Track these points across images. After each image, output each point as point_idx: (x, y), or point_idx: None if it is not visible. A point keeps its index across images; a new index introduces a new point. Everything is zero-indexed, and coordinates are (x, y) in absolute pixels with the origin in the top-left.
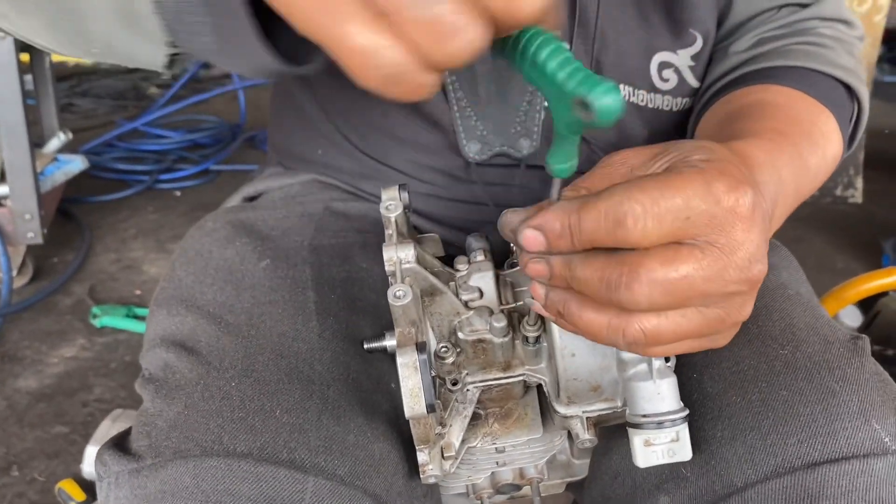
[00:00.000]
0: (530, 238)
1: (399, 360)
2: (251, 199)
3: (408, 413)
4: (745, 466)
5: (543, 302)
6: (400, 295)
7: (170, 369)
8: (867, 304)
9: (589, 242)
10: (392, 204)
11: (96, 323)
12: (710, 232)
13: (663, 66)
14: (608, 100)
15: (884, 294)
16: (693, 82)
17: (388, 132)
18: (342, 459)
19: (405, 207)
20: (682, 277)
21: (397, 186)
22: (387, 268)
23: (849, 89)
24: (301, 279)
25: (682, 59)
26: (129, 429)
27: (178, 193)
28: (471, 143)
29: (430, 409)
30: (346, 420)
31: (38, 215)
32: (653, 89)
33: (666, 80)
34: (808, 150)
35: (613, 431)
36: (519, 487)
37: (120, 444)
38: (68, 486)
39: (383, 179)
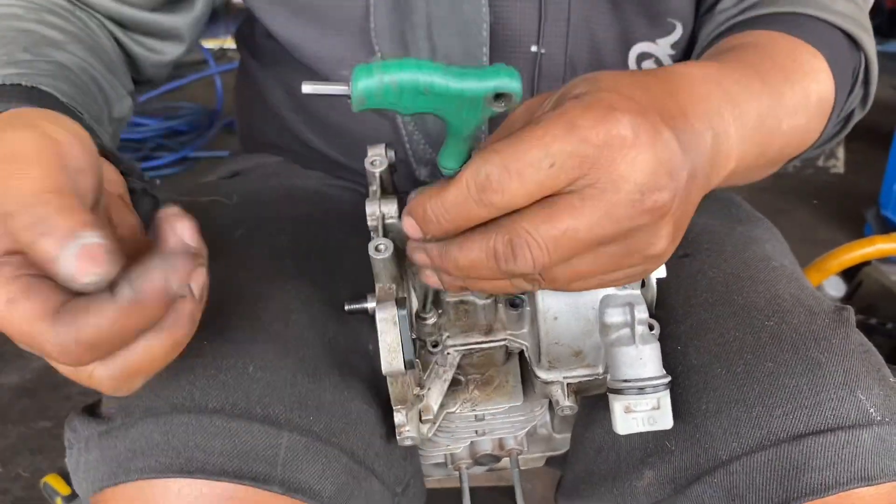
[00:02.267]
0: (407, 226)
1: (378, 314)
2: (226, 178)
3: (385, 369)
4: (730, 439)
5: (443, 287)
6: (381, 248)
7: None
8: (850, 274)
9: (463, 220)
10: (377, 159)
11: None
12: (585, 174)
13: (643, 56)
14: (517, 79)
15: (866, 263)
16: None
17: (350, 152)
18: (318, 416)
19: (390, 166)
20: (564, 231)
21: (384, 144)
22: (369, 222)
23: (851, 39)
24: (278, 247)
25: (663, 48)
26: (100, 398)
27: (157, 182)
28: (420, 167)
29: (409, 365)
30: (322, 379)
31: None
32: None
33: None
34: (780, 80)
35: (596, 404)
36: (498, 459)
37: (90, 410)
38: (53, 481)
39: (350, 175)
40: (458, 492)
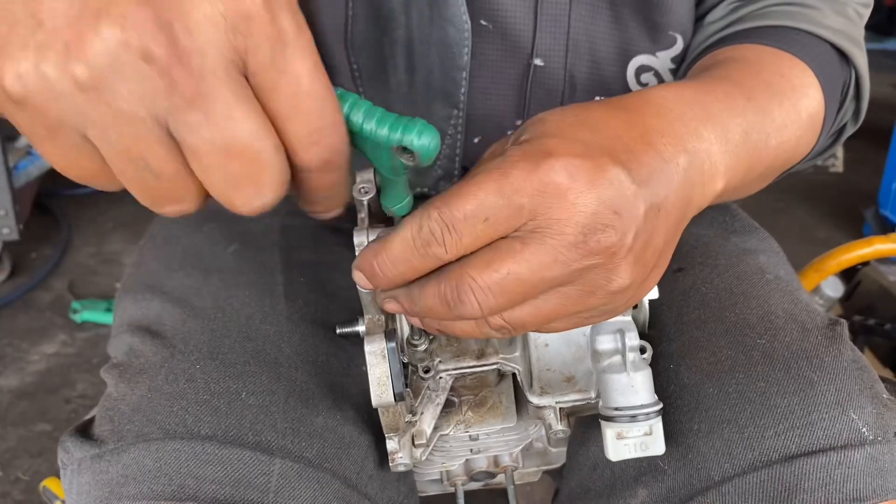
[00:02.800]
0: (358, 279)
1: (367, 347)
2: None
3: (375, 402)
4: (723, 460)
5: (422, 327)
6: None
7: (134, 353)
8: (848, 274)
9: (411, 272)
10: (365, 187)
11: (77, 318)
12: (524, 220)
13: (642, 69)
14: (425, 140)
15: (865, 264)
16: None
17: None
18: (310, 442)
19: (379, 192)
20: (506, 276)
21: (372, 170)
22: (357, 252)
23: (841, 54)
24: (269, 262)
25: (663, 61)
26: (94, 416)
27: None
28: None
29: (399, 398)
30: (315, 403)
31: (13, 211)
32: None
33: (645, 85)
34: (766, 97)
35: (591, 422)
36: (493, 475)
37: (83, 430)
38: (53, 485)
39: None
40: (452, 497)
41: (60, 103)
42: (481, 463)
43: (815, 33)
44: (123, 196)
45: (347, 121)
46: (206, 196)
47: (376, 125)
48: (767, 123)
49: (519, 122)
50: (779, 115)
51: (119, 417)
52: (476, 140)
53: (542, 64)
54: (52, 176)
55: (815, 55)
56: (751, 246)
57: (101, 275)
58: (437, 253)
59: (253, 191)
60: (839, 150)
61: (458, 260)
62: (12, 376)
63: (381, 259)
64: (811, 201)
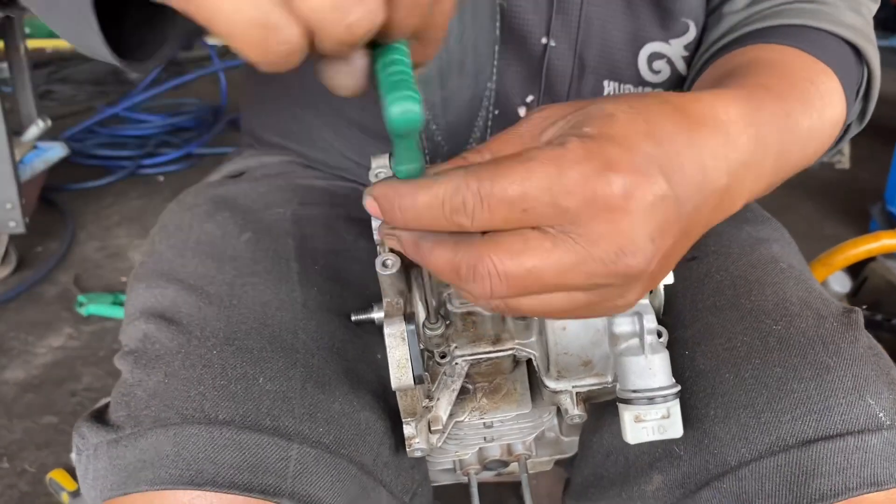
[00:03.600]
0: (368, 204)
1: (386, 330)
2: (232, 177)
3: (394, 384)
4: (739, 445)
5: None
6: (388, 264)
7: (149, 340)
8: (855, 270)
9: (431, 227)
10: (382, 171)
11: (83, 311)
12: (563, 222)
13: (654, 57)
14: (397, 109)
15: (872, 259)
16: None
17: (364, 127)
18: (327, 427)
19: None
20: (528, 271)
21: (387, 154)
22: (375, 237)
23: (856, 51)
24: (284, 251)
25: (675, 49)
26: (108, 403)
27: (161, 179)
28: (437, 159)
29: (418, 380)
30: (331, 389)
31: (19, 204)
32: (641, 82)
33: (657, 73)
34: (800, 110)
35: (604, 409)
36: (506, 464)
37: (99, 416)
38: (59, 476)
39: (356, 175)
40: (464, 488)
41: None
42: (495, 452)
43: (835, 33)
44: (128, 190)
45: (377, 66)
46: (310, 35)
47: (383, 76)
48: (796, 141)
49: (529, 99)
50: (807, 129)
51: (135, 403)
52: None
53: (553, 44)
54: (58, 170)
55: (838, 58)
56: (764, 235)
57: (106, 268)
58: (461, 222)
59: (354, 19)
60: (846, 147)
61: (480, 235)
62: (18, 369)
63: (404, 203)
64: (818, 198)
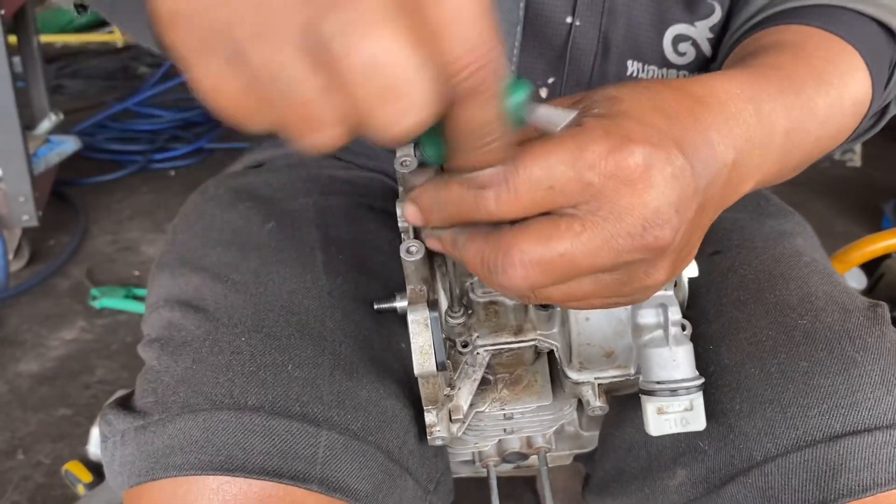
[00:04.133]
0: (408, 212)
1: (410, 316)
2: (252, 168)
3: (417, 370)
4: (765, 440)
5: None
6: (413, 251)
7: (175, 327)
8: (871, 267)
9: (462, 218)
10: (408, 160)
11: (95, 305)
12: (588, 200)
13: (679, 39)
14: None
15: (887, 256)
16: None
17: None
18: (355, 414)
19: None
20: (560, 255)
21: (412, 144)
22: (400, 224)
23: (889, 31)
24: (308, 240)
25: (701, 31)
26: (133, 390)
27: (172, 173)
28: None
29: (441, 367)
30: (359, 377)
31: (33, 197)
32: (665, 64)
33: (682, 54)
34: (814, 87)
35: (626, 403)
36: (526, 457)
37: (124, 403)
38: (75, 468)
39: (379, 159)
40: (481, 481)
41: (210, 14)
42: (514, 444)
43: (863, 12)
44: (140, 185)
45: None
46: (349, 124)
47: None
48: (810, 119)
49: (551, 80)
50: (823, 108)
51: (163, 389)
52: None
53: (578, 24)
54: (70, 164)
55: (864, 36)
56: (787, 229)
57: (118, 262)
58: (488, 207)
59: (400, 107)
60: (857, 145)
61: (509, 223)
62: (32, 361)
63: (441, 197)
64: (829, 195)
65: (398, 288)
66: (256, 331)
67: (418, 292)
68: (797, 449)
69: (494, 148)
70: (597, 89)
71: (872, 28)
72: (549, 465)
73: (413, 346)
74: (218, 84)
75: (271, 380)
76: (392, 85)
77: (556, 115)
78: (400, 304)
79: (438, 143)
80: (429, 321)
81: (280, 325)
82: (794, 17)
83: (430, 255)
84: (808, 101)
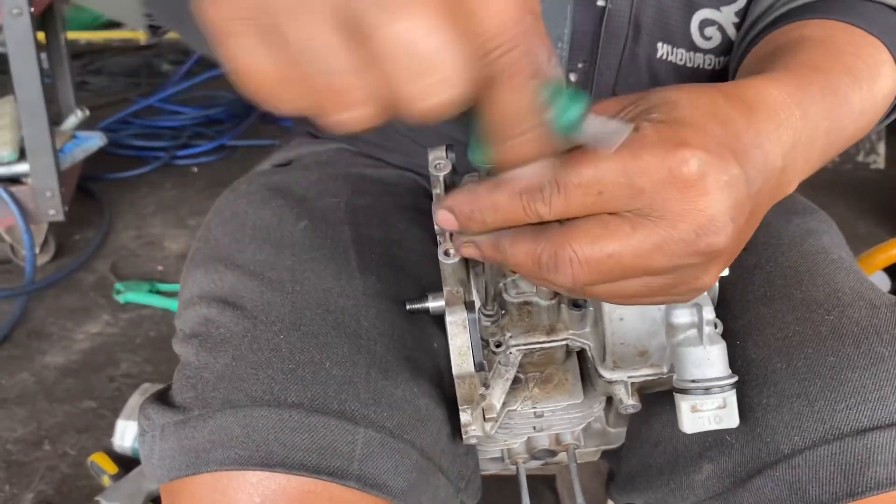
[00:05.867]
0: (442, 219)
1: (448, 318)
2: (281, 165)
3: (455, 371)
4: (793, 433)
5: (482, 260)
6: (450, 253)
7: (212, 324)
8: (894, 270)
9: (510, 223)
10: (441, 163)
11: (120, 299)
12: (640, 205)
13: (705, 23)
14: (573, 112)
15: None
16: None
17: (422, 134)
18: (391, 413)
19: (453, 168)
20: (609, 256)
21: (444, 146)
22: (437, 227)
23: None
24: (341, 239)
25: (726, 15)
26: (169, 385)
27: (195, 169)
28: None
29: (479, 367)
30: (394, 375)
31: (59, 192)
32: (693, 48)
33: (708, 39)
34: (849, 84)
35: (654, 399)
36: (554, 454)
37: (162, 397)
38: (100, 459)
39: (408, 153)
40: (501, 480)
41: None
42: (543, 441)
43: (884, 2)
44: (163, 180)
45: None
46: (382, 101)
47: None
48: (846, 115)
49: (581, 65)
50: (858, 103)
51: (202, 385)
52: None
53: (611, 6)
54: (94, 160)
55: (886, 26)
56: (813, 227)
57: (142, 257)
58: (539, 210)
59: (432, 82)
60: (881, 147)
61: (558, 222)
62: (58, 354)
63: (483, 203)
64: (852, 197)
65: (430, 287)
66: (294, 328)
67: (455, 294)
68: (825, 442)
69: (530, 139)
70: (653, 91)
71: (891, 17)
72: (578, 462)
73: (451, 348)
74: (252, 61)
75: (310, 377)
76: (425, 60)
77: (610, 133)
78: (432, 304)
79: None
80: (467, 322)
81: (317, 322)
82: (815, 11)
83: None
84: (844, 100)
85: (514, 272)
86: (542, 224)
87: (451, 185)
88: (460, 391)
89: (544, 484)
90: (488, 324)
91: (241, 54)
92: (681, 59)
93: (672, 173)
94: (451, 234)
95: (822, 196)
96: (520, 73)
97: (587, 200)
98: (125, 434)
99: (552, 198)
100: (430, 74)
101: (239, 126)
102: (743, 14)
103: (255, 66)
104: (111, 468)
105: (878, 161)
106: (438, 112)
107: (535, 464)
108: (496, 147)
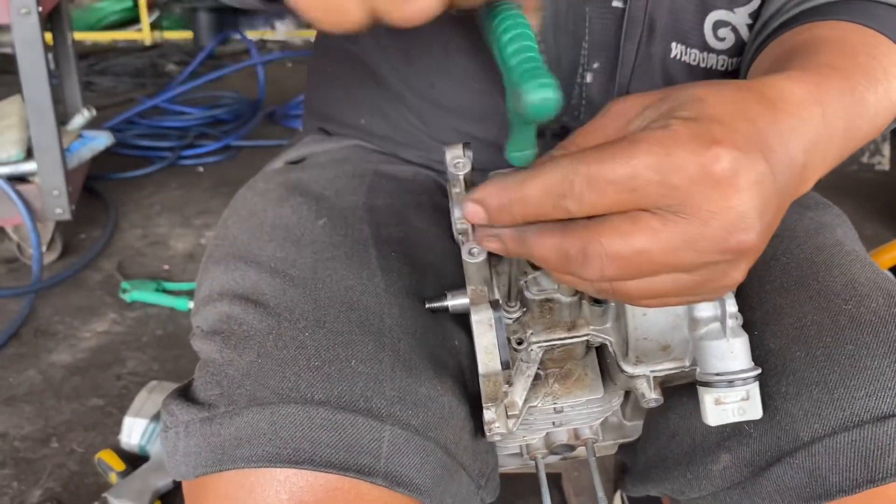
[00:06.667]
0: (471, 212)
1: (474, 317)
2: (294, 163)
3: (482, 370)
4: (812, 420)
5: (503, 254)
6: (475, 252)
7: (235, 321)
8: None
9: (538, 217)
10: (460, 162)
11: (126, 298)
12: (672, 202)
13: (719, 24)
14: (537, 97)
15: None
16: None
17: (435, 100)
18: (415, 410)
19: (472, 166)
20: (638, 252)
21: (461, 144)
22: (458, 226)
23: None
24: (361, 237)
25: (740, 17)
26: (191, 381)
27: (200, 169)
28: None
29: (505, 365)
30: (418, 373)
31: (66, 191)
32: (706, 48)
33: (722, 39)
34: (865, 85)
35: (671, 391)
36: (573, 448)
37: (185, 394)
38: (107, 457)
39: (424, 149)
40: (514, 477)
41: None
42: (561, 436)
43: (891, 3)
44: (169, 180)
45: (498, 36)
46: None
47: (512, 54)
48: (862, 116)
49: (596, 65)
50: (873, 104)
51: (228, 382)
52: None
53: (625, 7)
54: (100, 160)
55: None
56: (827, 221)
57: (148, 256)
58: (569, 206)
59: None
60: (886, 148)
61: (587, 218)
62: (65, 352)
63: (512, 196)
64: (857, 198)
65: (450, 285)
66: (319, 326)
67: (480, 293)
68: (844, 429)
69: None
70: (678, 87)
71: None
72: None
73: (477, 346)
74: None
75: (336, 375)
76: None
77: None
78: (451, 302)
79: (523, 145)
80: (493, 321)
81: (341, 320)
82: (827, 13)
83: (489, 256)
84: (860, 100)
85: (536, 268)
86: (567, 220)
87: (471, 183)
88: (486, 389)
89: (550, 482)
90: (510, 321)
91: None
92: (694, 60)
93: (705, 171)
94: (473, 228)
95: (828, 197)
96: None
97: (620, 198)
98: (132, 431)
99: (584, 194)
100: None
101: (244, 126)
102: (756, 16)
103: None
104: (118, 465)
105: (883, 162)
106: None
107: (553, 459)
108: None
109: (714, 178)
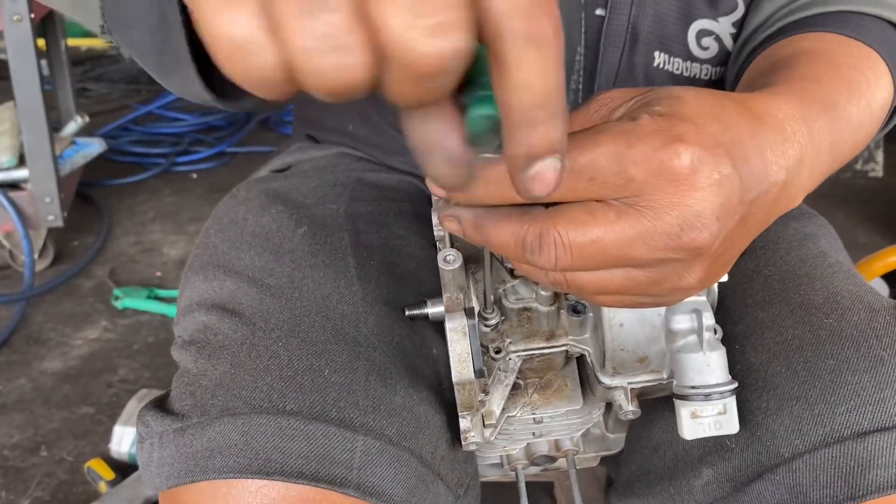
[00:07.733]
0: (436, 187)
1: (448, 325)
2: (280, 171)
3: (455, 378)
4: (793, 437)
5: (464, 238)
6: (450, 259)
7: (211, 331)
8: (893, 277)
9: (499, 199)
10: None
11: (118, 305)
12: (628, 193)
13: (703, 33)
14: (476, 112)
15: None
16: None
17: None
18: (390, 420)
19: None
20: (592, 241)
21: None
22: (436, 233)
23: None
24: (340, 246)
25: (724, 26)
26: (168, 392)
27: (194, 176)
28: None
29: (479, 374)
30: (393, 382)
31: (58, 198)
32: (689, 57)
33: (705, 49)
34: (847, 97)
35: (653, 404)
36: (553, 459)
37: (160, 405)
38: (97, 466)
39: (407, 154)
40: (498, 486)
41: None
42: (542, 447)
43: (878, 15)
44: (162, 187)
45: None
46: (378, 45)
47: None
48: (846, 129)
49: (577, 77)
50: (856, 116)
51: (201, 392)
52: None
53: (608, 15)
54: (94, 166)
55: (881, 38)
56: (811, 231)
57: (141, 263)
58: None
59: (438, 23)
60: (879, 155)
61: (543, 205)
62: (56, 360)
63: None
64: (851, 205)
65: (429, 293)
66: (293, 335)
67: (455, 300)
68: (825, 445)
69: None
70: (666, 87)
71: (889, 31)
72: (577, 468)
73: (451, 354)
74: (228, 29)
75: (309, 385)
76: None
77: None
78: (431, 310)
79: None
80: (467, 329)
81: (316, 329)
82: (812, 25)
83: (466, 263)
84: (843, 113)
85: (515, 277)
86: (526, 206)
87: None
88: (460, 398)
89: (542, 490)
90: (488, 330)
91: (220, 24)
92: (677, 69)
93: (663, 165)
94: (451, 240)
95: (821, 204)
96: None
97: (577, 185)
98: (122, 440)
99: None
100: (436, 15)
101: (238, 133)
102: (740, 25)
103: (233, 27)
104: (108, 474)
105: (877, 169)
106: (441, 60)
107: (533, 470)
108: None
109: (672, 172)
